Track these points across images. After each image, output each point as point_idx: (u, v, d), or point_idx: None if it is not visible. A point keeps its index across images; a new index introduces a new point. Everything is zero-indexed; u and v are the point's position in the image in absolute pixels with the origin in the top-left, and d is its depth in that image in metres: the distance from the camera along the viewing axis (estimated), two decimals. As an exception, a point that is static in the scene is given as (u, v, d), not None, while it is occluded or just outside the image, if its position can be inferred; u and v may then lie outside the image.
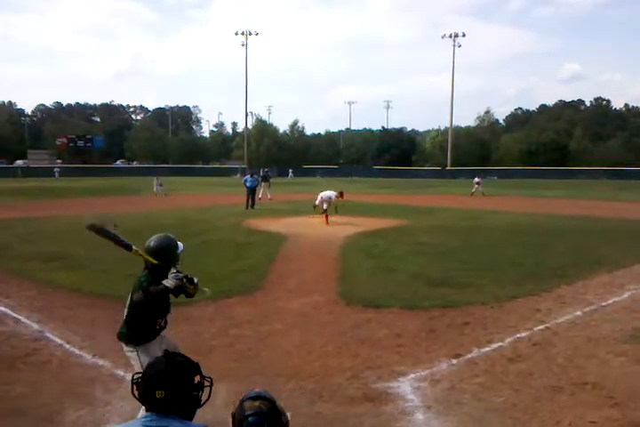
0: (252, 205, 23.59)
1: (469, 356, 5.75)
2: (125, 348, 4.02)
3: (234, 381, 5.03)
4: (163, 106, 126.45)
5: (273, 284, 9.10)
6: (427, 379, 5.15)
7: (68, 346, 6.02)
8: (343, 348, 6.05)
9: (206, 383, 2.16)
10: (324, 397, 4.82)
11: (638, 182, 48.11)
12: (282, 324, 6.94)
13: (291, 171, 67.97)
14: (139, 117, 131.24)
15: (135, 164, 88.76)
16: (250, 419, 2.45)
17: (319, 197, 17.99)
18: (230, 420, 2.52)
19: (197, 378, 2.13)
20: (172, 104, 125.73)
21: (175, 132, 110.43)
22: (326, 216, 17.48)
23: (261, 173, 31.98)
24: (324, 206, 17.58)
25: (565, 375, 5.20)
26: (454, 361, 5.60)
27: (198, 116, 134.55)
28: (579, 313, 7.31)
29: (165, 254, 3.97)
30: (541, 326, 6.72)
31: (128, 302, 3.97)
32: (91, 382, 5.04)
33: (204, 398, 2.16)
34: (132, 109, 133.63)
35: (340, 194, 18.12)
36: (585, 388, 4.91)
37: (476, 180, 35.36)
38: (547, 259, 11.19)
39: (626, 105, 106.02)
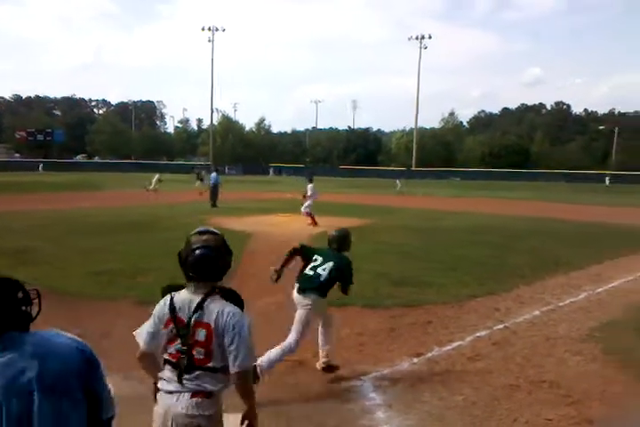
0: (215, 204, 23.29)
1: (430, 355, 5.81)
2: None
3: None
4: (126, 100, 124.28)
5: (236, 283, 8.99)
6: (388, 378, 5.19)
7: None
8: (306, 347, 6.03)
9: (33, 296, 1.97)
10: (286, 396, 4.79)
11: (595, 186, 49.56)
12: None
13: (271, 169, 65.70)
14: (101, 112, 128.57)
15: (97, 159, 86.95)
16: (197, 252, 2.63)
17: (309, 194, 17.94)
18: (177, 258, 2.76)
19: (21, 295, 1.95)
20: (136, 99, 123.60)
21: (139, 128, 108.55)
22: (313, 217, 17.45)
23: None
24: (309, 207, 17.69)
25: (523, 374, 5.31)
26: (415, 360, 5.66)
27: (163, 111, 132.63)
28: (537, 313, 7.48)
29: (347, 241, 5.73)
30: (500, 326, 6.85)
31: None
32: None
33: (35, 311, 1.98)
34: (94, 104, 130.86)
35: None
36: (542, 386, 5.02)
37: (397, 181, 39.20)
38: (506, 259, 11.42)
39: (585, 110, 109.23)
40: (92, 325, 6.51)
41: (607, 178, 53.13)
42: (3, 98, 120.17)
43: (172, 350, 2.67)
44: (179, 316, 2.65)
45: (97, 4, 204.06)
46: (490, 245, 13.46)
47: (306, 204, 17.88)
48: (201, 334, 2.62)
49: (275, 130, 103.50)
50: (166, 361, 2.70)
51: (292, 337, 5.00)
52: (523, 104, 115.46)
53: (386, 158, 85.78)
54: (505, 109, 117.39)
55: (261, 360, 4.71)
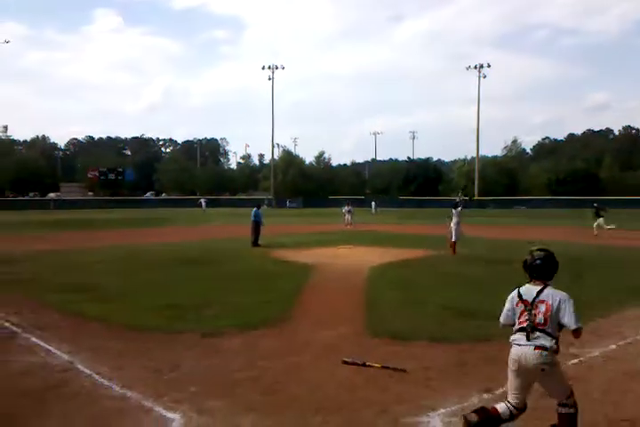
0: (256, 241, 20.78)
1: (501, 390, 5.58)
2: None
3: (260, 414, 4.98)
4: (191, 138, 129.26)
5: (299, 315, 9.04)
6: (457, 414, 5.02)
7: (97, 376, 6.02)
8: (371, 381, 5.95)
9: None
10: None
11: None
12: (309, 356, 6.87)
13: (374, 203, 53.02)
14: (168, 150, 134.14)
15: (164, 195, 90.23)
16: (537, 261, 4.43)
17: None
18: (523, 265, 4.54)
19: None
20: (201, 137, 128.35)
21: (203, 164, 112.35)
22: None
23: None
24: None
25: (602, 412, 5.03)
26: (485, 396, 5.46)
27: (226, 148, 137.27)
28: (613, 347, 7.14)
29: None
30: (575, 360, 6.54)
31: None
32: (119, 414, 5.03)
33: None
34: (161, 142, 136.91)
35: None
36: (622, 425, 4.73)
37: (346, 208, 34.41)
38: (580, 290, 10.90)
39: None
40: (161, 357, 6.68)
41: None
42: (77, 139, 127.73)
43: (522, 319, 4.35)
44: (524, 298, 4.37)
45: (163, 47, 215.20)
46: (562, 274, 12.90)
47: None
48: (541, 308, 4.28)
49: (334, 163, 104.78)
50: (519, 328, 4.37)
51: None
52: (589, 129, 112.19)
53: (447, 188, 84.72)
54: (571, 135, 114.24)
55: None
